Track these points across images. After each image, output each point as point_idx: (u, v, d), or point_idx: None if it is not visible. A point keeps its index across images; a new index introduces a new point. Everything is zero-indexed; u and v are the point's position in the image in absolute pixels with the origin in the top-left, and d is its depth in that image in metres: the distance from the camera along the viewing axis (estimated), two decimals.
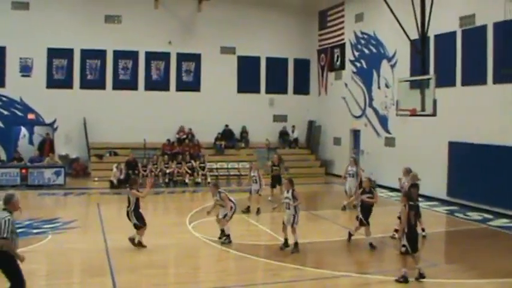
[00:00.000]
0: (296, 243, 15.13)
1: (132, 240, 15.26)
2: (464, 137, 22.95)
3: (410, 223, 12.55)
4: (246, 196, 21.60)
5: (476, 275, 13.32)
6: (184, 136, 32.62)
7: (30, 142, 32.72)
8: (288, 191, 15.23)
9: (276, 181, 23.50)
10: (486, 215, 20.89)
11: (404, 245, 12.48)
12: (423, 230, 16.59)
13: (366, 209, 15.95)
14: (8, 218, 9.54)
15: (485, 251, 15.03)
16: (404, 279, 12.21)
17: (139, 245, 15.21)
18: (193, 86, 33.89)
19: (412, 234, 12.55)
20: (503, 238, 17.44)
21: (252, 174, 21.52)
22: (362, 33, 31.30)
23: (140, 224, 15.28)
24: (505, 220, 19.98)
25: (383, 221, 17.82)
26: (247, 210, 20.90)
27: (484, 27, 22.19)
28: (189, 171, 29.41)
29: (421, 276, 12.49)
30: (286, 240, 15.37)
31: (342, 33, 33.47)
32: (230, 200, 16.06)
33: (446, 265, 14.68)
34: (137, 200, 15.42)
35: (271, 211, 20.09)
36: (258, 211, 20.74)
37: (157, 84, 33.23)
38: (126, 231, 15.49)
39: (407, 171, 18.07)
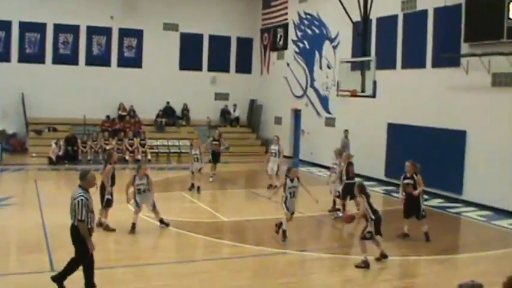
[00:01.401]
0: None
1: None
2: (403, 118, 23.47)
3: (373, 208, 12.70)
4: (187, 174, 21.61)
5: (409, 252, 13.83)
6: (125, 113, 32.33)
7: None
8: (293, 180, 14.49)
9: (215, 157, 23.61)
10: None
11: (370, 232, 12.57)
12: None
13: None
14: (81, 198, 9.31)
15: (419, 230, 15.45)
16: (365, 264, 12.30)
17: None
18: (135, 62, 33.51)
19: (378, 219, 12.69)
20: (438, 218, 17.95)
21: (194, 152, 21.28)
22: (305, 13, 31.47)
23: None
24: (439, 200, 20.59)
25: (322, 200, 18.10)
26: (192, 188, 20.91)
27: (424, 12, 22.64)
28: (130, 148, 29.19)
29: (384, 256, 12.74)
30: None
31: (286, 13, 33.58)
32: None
33: (383, 243, 15.04)
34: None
35: (213, 189, 20.23)
36: (199, 189, 20.74)
37: (98, 60, 32.69)
38: (64, 208, 15.28)
39: (340, 153, 18.51)
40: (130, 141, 29.53)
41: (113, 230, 14.71)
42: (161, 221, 15.36)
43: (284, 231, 14.11)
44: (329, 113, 29.27)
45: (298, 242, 14.86)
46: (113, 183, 15.05)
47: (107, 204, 14.84)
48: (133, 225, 14.77)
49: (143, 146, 29.78)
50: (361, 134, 25.07)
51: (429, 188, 21.63)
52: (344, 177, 17.06)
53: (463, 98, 20.77)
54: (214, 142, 23.96)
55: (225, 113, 35.61)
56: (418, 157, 20.59)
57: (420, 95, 22.68)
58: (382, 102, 22.92)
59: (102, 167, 15.68)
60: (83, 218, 9.28)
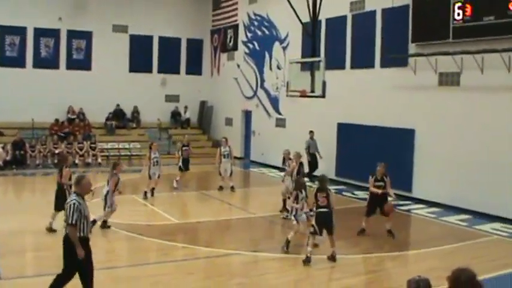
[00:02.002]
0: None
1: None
2: (353, 118, 23.74)
3: (317, 205, 12.86)
4: (138, 176, 21.44)
5: (360, 250, 14.03)
6: (75, 116, 31.91)
7: None
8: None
9: (186, 164, 22.75)
10: None
11: (312, 225, 12.81)
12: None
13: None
14: (74, 203, 8.93)
15: (370, 227, 15.65)
16: (307, 260, 12.50)
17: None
18: (84, 64, 32.95)
19: (317, 214, 12.85)
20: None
21: (153, 155, 20.70)
22: (255, 14, 31.55)
23: None
24: (389, 198, 20.81)
25: (273, 200, 18.23)
26: (148, 195, 20.36)
27: (373, 13, 22.95)
28: (79, 152, 28.82)
29: (333, 258, 12.82)
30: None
31: (236, 14, 33.60)
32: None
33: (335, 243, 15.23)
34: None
35: (164, 191, 20.11)
36: (152, 192, 20.48)
37: (47, 62, 32.02)
38: (12, 213, 15.11)
39: (288, 155, 18.87)
40: (80, 145, 29.15)
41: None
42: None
43: (288, 241, 13.77)
44: (279, 113, 29.40)
45: (251, 243, 14.93)
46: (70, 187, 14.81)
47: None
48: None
49: (93, 149, 29.43)
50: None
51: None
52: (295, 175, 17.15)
53: (411, 97, 21.12)
54: (184, 148, 22.96)
55: (175, 114, 35.42)
56: (368, 156, 20.99)
57: (369, 94, 22.99)
58: (332, 102, 23.12)
59: (57, 171, 15.54)
60: (73, 222, 8.87)
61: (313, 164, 24.57)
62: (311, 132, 24.88)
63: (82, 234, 9.03)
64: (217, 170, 22.44)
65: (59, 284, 9.17)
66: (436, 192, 20.08)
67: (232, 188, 21.93)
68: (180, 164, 22.53)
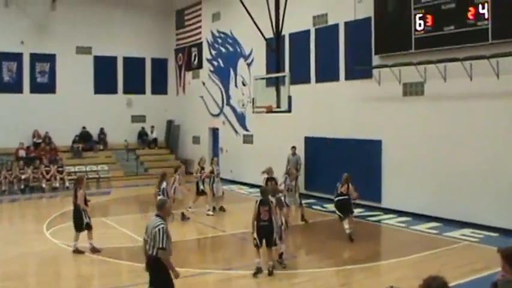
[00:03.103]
0: None
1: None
2: (320, 131, 23.85)
3: (258, 217, 12.81)
4: (107, 199, 21.21)
5: (332, 263, 14.02)
6: (40, 140, 31.57)
7: None
8: None
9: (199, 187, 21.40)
10: None
11: (254, 238, 12.82)
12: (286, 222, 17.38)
13: None
14: (162, 226, 9.04)
15: (341, 240, 15.70)
16: (257, 270, 12.62)
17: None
18: (48, 87, 32.66)
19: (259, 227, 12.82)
20: (357, 226, 18.22)
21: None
22: (219, 32, 31.63)
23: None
24: (359, 209, 20.94)
25: (244, 217, 18.16)
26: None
27: (335, 26, 23.17)
28: (46, 176, 28.44)
29: (270, 272, 12.75)
30: None
31: (199, 32, 33.67)
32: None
33: (305, 256, 15.25)
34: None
35: (134, 213, 19.93)
36: (223, 208, 20.50)
37: (10, 87, 31.64)
38: None
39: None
40: (46, 169, 28.78)
41: (99, 251, 15.01)
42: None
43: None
44: (246, 130, 29.42)
45: (223, 261, 14.86)
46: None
47: (87, 227, 15.14)
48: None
49: (61, 173, 29.07)
50: (280, 149, 25.19)
51: None
52: None
53: (376, 108, 21.32)
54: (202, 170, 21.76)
55: (142, 135, 35.27)
56: (337, 168, 21.06)
57: (335, 107, 23.14)
58: (298, 117, 23.24)
59: (73, 192, 15.66)
60: (164, 246, 9.02)
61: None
62: (293, 148, 24.48)
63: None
64: (210, 190, 21.27)
65: None
66: (405, 202, 20.22)
67: (222, 208, 21.55)
68: (203, 186, 21.39)
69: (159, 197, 16.24)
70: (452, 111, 18.52)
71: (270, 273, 12.68)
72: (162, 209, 9.42)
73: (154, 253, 9.09)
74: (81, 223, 15.12)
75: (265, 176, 18.87)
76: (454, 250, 15.14)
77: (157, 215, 9.34)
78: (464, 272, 12.65)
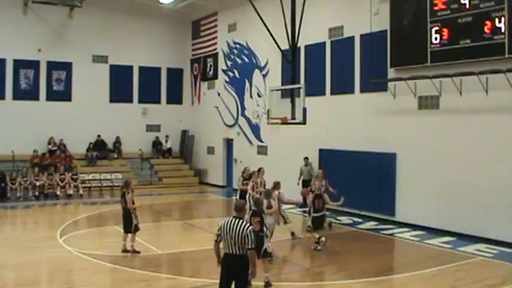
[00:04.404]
0: None
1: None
2: (334, 144, 23.81)
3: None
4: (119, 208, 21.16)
5: (346, 276, 13.88)
6: (56, 147, 31.72)
7: None
8: None
9: (242, 196, 20.45)
10: (356, 219, 21.80)
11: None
12: (293, 234, 17.54)
13: None
14: (251, 228, 9.53)
15: (355, 252, 15.64)
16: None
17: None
18: (64, 95, 32.90)
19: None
20: (371, 240, 18.23)
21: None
22: (235, 43, 31.71)
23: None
24: (372, 223, 20.91)
25: None
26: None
27: (351, 39, 23.16)
28: (61, 184, 28.55)
29: (267, 284, 12.65)
30: None
31: (215, 43, 33.76)
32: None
33: (317, 268, 15.14)
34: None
35: (147, 222, 19.93)
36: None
37: (26, 94, 31.93)
38: None
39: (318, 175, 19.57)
40: (61, 176, 28.89)
41: (138, 252, 15.94)
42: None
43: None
44: (261, 141, 29.41)
45: None
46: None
47: (135, 229, 16.02)
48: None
49: (75, 180, 29.18)
50: (294, 161, 25.18)
51: (363, 211, 22.12)
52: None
53: (391, 121, 21.25)
54: (245, 182, 21.09)
55: (157, 144, 35.36)
56: (350, 181, 21.05)
57: (350, 120, 23.10)
58: (312, 129, 23.21)
59: (120, 195, 16.43)
60: (254, 247, 9.50)
61: None
62: (306, 158, 24.59)
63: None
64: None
65: None
66: (419, 216, 20.11)
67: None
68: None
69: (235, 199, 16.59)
70: (467, 125, 18.44)
71: (267, 285, 12.60)
72: (242, 211, 9.91)
73: (243, 253, 9.45)
74: (130, 225, 15.93)
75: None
76: (468, 265, 15.00)
77: (236, 217, 9.65)
78: None
